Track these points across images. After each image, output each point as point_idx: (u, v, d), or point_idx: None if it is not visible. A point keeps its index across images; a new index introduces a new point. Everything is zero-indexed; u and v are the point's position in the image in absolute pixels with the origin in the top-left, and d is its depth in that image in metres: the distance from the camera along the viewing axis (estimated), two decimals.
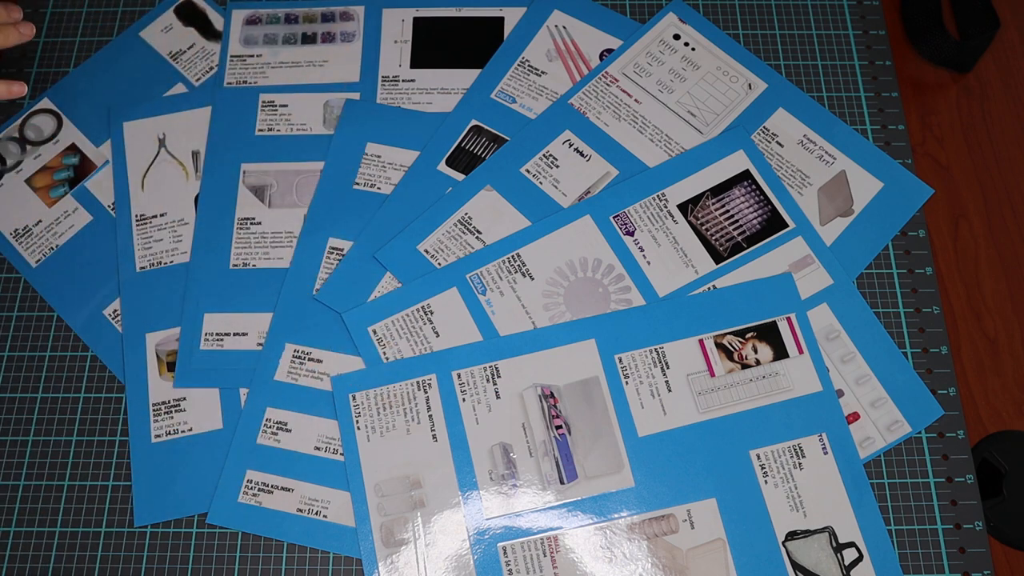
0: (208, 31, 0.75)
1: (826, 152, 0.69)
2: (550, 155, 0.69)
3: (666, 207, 0.67)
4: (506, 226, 0.67)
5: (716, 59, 0.73)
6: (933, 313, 0.66)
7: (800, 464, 0.60)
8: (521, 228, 0.67)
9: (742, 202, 0.67)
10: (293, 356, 0.64)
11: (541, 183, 0.68)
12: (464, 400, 0.62)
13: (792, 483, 0.60)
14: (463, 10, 0.75)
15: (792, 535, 0.59)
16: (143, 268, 0.67)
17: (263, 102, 0.72)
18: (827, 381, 0.62)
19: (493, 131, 0.70)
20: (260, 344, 0.65)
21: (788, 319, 0.64)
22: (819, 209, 0.68)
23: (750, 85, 0.71)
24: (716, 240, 0.66)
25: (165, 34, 0.75)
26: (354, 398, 0.62)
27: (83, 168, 0.71)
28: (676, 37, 0.74)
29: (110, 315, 0.66)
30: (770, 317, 0.64)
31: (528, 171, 0.69)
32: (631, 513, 0.59)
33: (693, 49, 0.73)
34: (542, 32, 0.74)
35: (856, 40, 0.75)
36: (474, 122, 0.71)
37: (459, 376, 0.62)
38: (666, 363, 0.63)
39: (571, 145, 0.69)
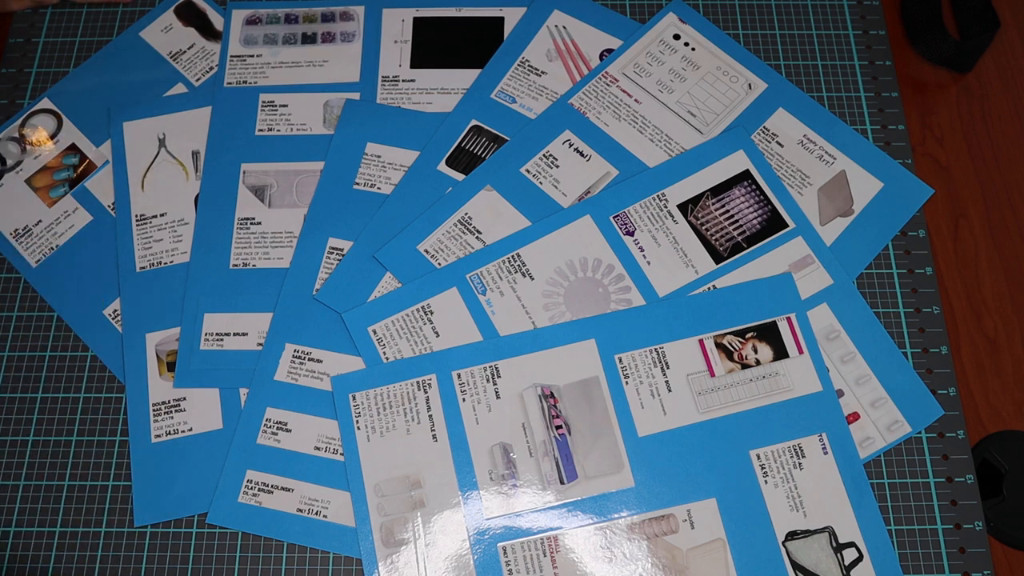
0: (208, 31, 0.75)
1: (826, 152, 0.69)
2: (550, 155, 0.69)
3: (666, 207, 0.67)
4: (506, 226, 0.67)
5: (716, 59, 0.73)
6: (933, 313, 0.66)
7: (800, 464, 0.60)
8: (521, 228, 0.67)
9: (742, 202, 0.67)
10: (293, 356, 0.64)
11: (541, 183, 0.68)
12: (464, 400, 0.62)
13: (792, 483, 0.60)
14: (463, 10, 0.75)
15: (792, 535, 0.59)
16: (143, 268, 0.67)
17: (263, 102, 0.72)
18: (827, 381, 0.62)
19: (493, 131, 0.70)
20: (260, 344, 0.65)
21: (788, 319, 0.64)
22: (819, 209, 0.68)
23: (750, 85, 0.71)
24: (716, 240, 0.66)
25: (165, 34, 0.75)
26: (354, 398, 0.62)
27: (83, 168, 0.71)
28: (676, 37, 0.73)
29: (110, 315, 0.66)
30: (770, 317, 0.64)
31: (528, 171, 0.69)
32: (631, 513, 0.59)
33: (693, 49, 0.73)
34: (542, 32, 0.74)
35: (856, 40, 0.75)
36: (474, 122, 0.71)
37: (459, 376, 0.62)
38: (666, 363, 0.63)
39: (571, 145, 0.69)
